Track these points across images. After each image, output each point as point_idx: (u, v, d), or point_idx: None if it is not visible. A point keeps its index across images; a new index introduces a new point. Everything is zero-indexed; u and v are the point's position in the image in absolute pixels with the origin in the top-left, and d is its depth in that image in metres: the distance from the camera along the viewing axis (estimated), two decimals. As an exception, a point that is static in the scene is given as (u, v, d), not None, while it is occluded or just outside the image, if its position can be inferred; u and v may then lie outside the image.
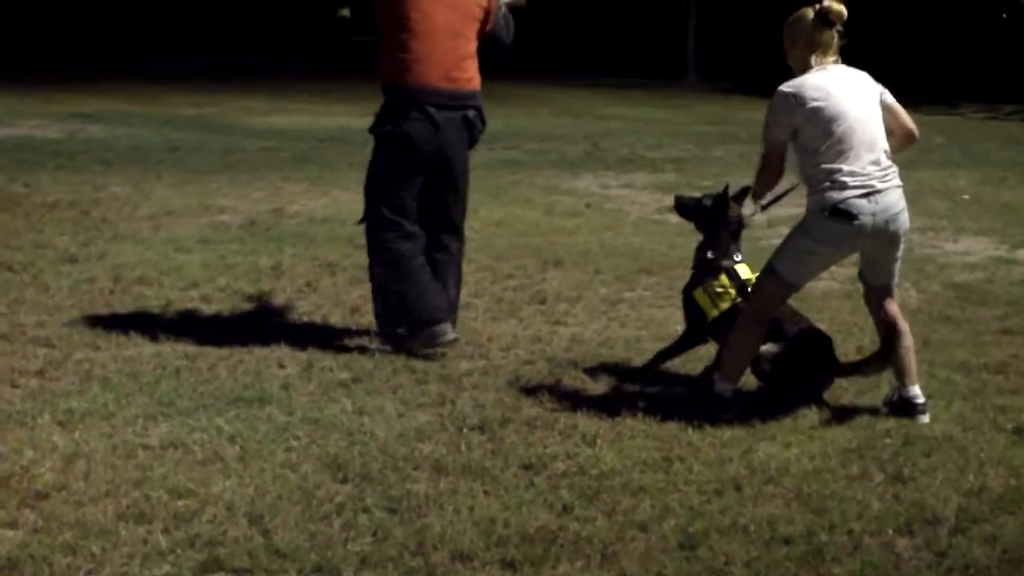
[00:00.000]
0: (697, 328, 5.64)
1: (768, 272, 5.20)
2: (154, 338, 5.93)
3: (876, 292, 5.33)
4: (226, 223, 9.12)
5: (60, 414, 4.85)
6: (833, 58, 5.15)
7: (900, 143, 5.28)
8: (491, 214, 9.99)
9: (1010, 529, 4.12)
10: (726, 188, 5.66)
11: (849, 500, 4.31)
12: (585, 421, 5.03)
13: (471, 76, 5.95)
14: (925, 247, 8.98)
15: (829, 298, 7.26)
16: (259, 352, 5.77)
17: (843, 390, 5.51)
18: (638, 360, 5.88)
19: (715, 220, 5.64)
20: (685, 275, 7.62)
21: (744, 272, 5.56)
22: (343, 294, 7.04)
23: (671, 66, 32.74)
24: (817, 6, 5.09)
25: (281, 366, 5.61)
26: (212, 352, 5.75)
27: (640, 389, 5.46)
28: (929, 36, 23.93)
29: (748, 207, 5.58)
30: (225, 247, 8.15)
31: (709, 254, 5.62)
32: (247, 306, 6.70)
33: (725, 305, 5.48)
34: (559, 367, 5.76)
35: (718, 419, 5.06)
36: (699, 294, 5.58)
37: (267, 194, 10.58)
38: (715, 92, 28.25)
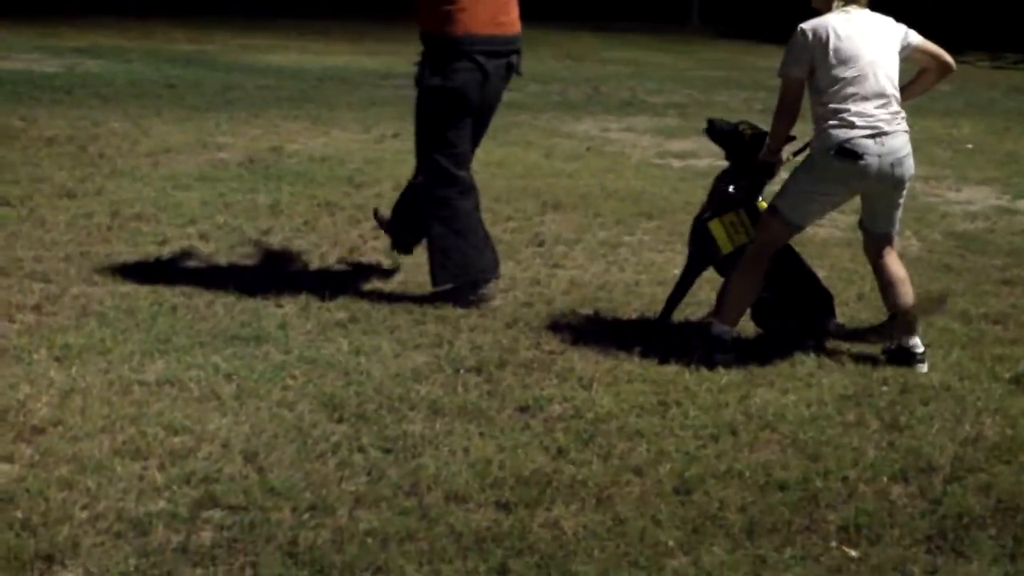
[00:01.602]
0: (704, 260, 5.54)
1: (771, 211, 5.23)
2: (151, 275, 5.91)
3: (876, 241, 5.34)
4: (224, 161, 9.07)
5: (57, 349, 4.84)
6: (857, 4, 5.16)
7: (937, 76, 5.36)
8: (490, 155, 9.90)
9: (1005, 478, 4.12)
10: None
11: (845, 447, 4.31)
12: (582, 364, 5.03)
13: (515, 18, 5.77)
14: (927, 196, 8.94)
15: (829, 245, 7.24)
16: (256, 291, 5.75)
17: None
18: (636, 304, 5.88)
19: (748, 153, 5.43)
20: (686, 220, 7.61)
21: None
22: (342, 234, 7.01)
23: (674, 11, 32.48)
24: None
25: (278, 305, 5.59)
26: (209, 290, 5.73)
27: (638, 333, 5.44)
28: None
29: (786, 150, 5.40)
30: (224, 184, 8.11)
31: (731, 188, 5.45)
32: (245, 244, 6.67)
33: (741, 239, 5.36)
34: (557, 310, 5.75)
35: (716, 361, 5.07)
36: (715, 226, 5.43)
37: (266, 132, 10.51)
38: (718, 37, 28.05)
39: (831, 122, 5.01)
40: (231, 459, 3.98)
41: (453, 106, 5.66)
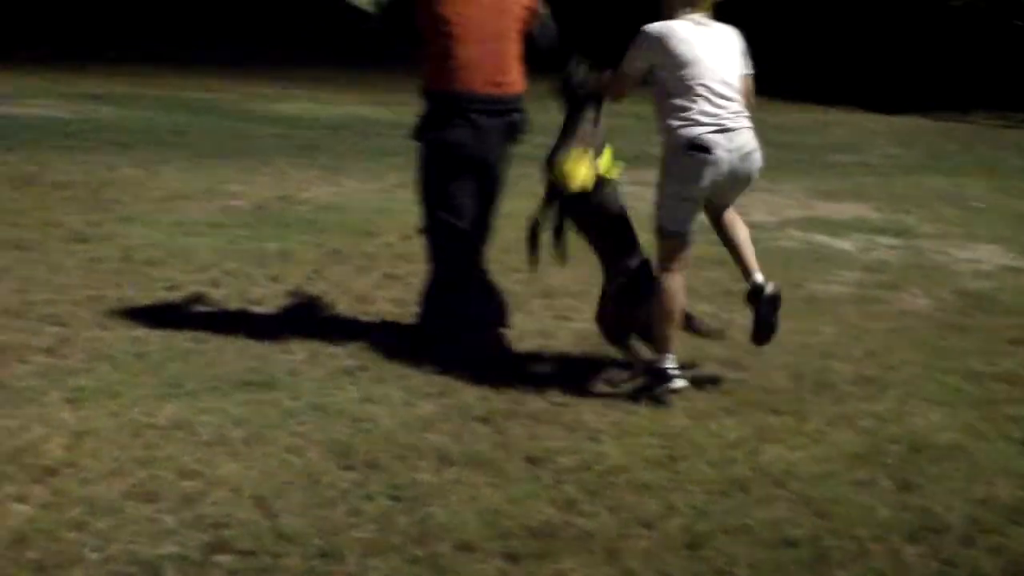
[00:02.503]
0: (554, 193, 5.68)
1: (655, 232, 5.50)
2: (162, 319, 5.93)
3: (717, 211, 5.59)
4: (235, 208, 9.11)
5: (69, 392, 4.87)
6: (703, 12, 5.38)
7: None
8: (500, 206, 9.97)
9: (1019, 540, 4.12)
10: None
11: (855, 505, 4.31)
12: (590, 416, 5.04)
13: (515, 80, 5.85)
14: (936, 254, 8.97)
15: (839, 302, 7.25)
16: (266, 337, 5.77)
17: (848, 395, 5.51)
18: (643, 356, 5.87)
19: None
20: (693, 273, 7.65)
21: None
22: (350, 282, 7.04)
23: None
24: None
25: (288, 352, 5.61)
26: (219, 335, 5.75)
27: (643, 386, 5.45)
28: (942, 43, 23.88)
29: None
30: (234, 231, 8.15)
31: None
32: (255, 291, 6.70)
33: (584, 172, 5.51)
34: (565, 362, 5.77)
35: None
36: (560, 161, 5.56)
37: (275, 180, 10.56)
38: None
39: (678, 122, 5.22)
40: (241, 504, 3.99)
41: (447, 159, 5.76)
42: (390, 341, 5.85)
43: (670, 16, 5.38)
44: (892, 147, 16.60)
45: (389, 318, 6.35)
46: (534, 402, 5.16)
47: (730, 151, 5.23)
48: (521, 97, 5.91)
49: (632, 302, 5.62)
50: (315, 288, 6.84)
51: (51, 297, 6.19)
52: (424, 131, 5.80)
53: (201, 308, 6.24)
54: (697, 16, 5.36)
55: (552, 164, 5.61)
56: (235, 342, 5.66)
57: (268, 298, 6.59)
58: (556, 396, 5.26)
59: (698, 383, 5.53)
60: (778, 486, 4.45)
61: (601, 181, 5.65)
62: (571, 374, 5.57)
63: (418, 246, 7.89)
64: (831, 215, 10.55)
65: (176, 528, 3.79)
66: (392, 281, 7.05)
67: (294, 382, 5.20)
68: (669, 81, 5.26)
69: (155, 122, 14.23)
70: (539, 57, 5.95)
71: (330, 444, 4.54)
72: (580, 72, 5.62)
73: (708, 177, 5.26)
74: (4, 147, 11.35)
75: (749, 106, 5.45)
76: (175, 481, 4.11)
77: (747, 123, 5.33)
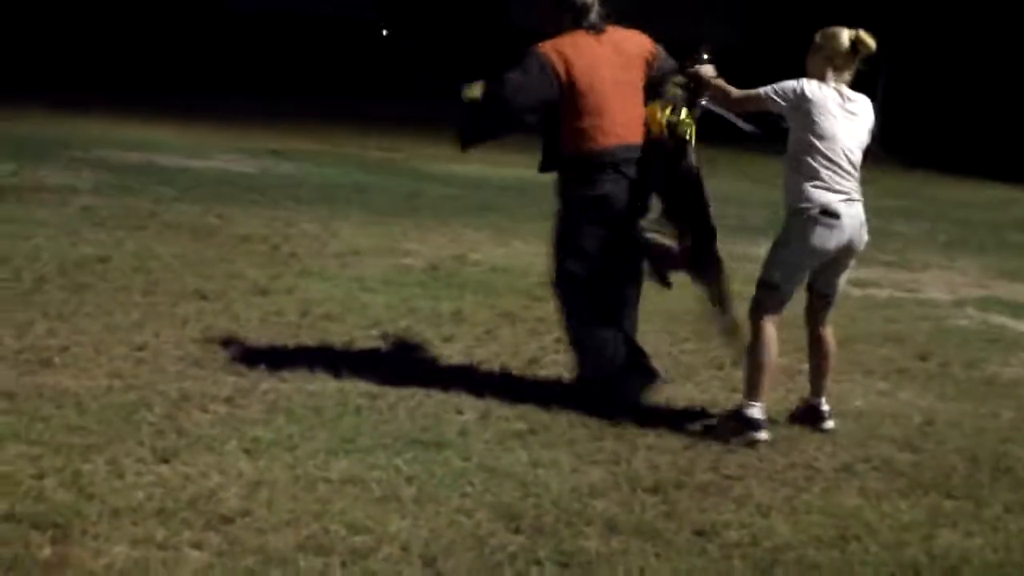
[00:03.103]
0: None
1: (760, 286, 5.77)
2: (337, 374, 6.06)
3: (819, 301, 5.88)
4: (409, 266, 9.29)
5: (247, 442, 5.00)
6: (847, 79, 5.67)
7: None
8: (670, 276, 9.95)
9: None
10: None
11: (1034, 597, 4.17)
12: (759, 491, 4.97)
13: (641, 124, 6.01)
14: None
15: (1020, 386, 7.03)
16: (438, 396, 5.86)
17: (1030, 482, 5.34)
18: (816, 436, 5.77)
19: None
20: (864, 350, 7.54)
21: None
22: (522, 344, 7.10)
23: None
24: (853, 33, 5.61)
25: (459, 412, 5.68)
26: (392, 392, 5.86)
27: (813, 463, 5.36)
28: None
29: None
30: (408, 290, 8.31)
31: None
32: (428, 349, 6.81)
33: (667, 117, 5.86)
34: (735, 435, 5.70)
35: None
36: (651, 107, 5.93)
37: (449, 239, 10.74)
38: (898, 165, 27.70)
39: (811, 187, 5.53)
40: (410, 562, 4.04)
41: (598, 214, 5.95)
42: (559, 405, 5.87)
43: (814, 74, 5.64)
44: (1076, 226, 16.08)
45: (559, 382, 6.37)
46: (703, 474, 5.12)
47: (852, 217, 5.57)
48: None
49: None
50: (486, 349, 6.91)
51: (232, 348, 6.38)
52: (571, 191, 6.01)
53: (375, 364, 6.35)
54: (841, 81, 5.63)
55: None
56: (407, 400, 5.75)
57: (440, 357, 6.69)
58: (726, 469, 5.21)
59: (871, 462, 5.42)
60: (952, 573, 4.32)
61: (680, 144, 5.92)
62: (741, 448, 5.51)
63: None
64: (1011, 296, 10.26)
65: (347, 582, 3.85)
66: (562, 346, 7.08)
67: (464, 442, 5.26)
68: (802, 143, 5.57)
69: (333, 179, 14.63)
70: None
71: (498, 507, 4.56)
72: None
73: (831, 242, 5.56)
74: (188, 199, 11.80)
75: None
76: (346, 535, 4.18)
77: (861, 198, 5.66)
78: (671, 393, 6.30)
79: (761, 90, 5.69)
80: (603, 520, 4.53)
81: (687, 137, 5.90)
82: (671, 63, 6.11)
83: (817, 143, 5.54)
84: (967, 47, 29.37)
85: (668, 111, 5.88)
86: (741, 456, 5.39)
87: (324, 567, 3.95)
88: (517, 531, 4.37)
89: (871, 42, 5.60)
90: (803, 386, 6.21)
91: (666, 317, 8.00)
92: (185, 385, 5.70)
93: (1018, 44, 26.95)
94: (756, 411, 5.59)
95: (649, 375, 6.11)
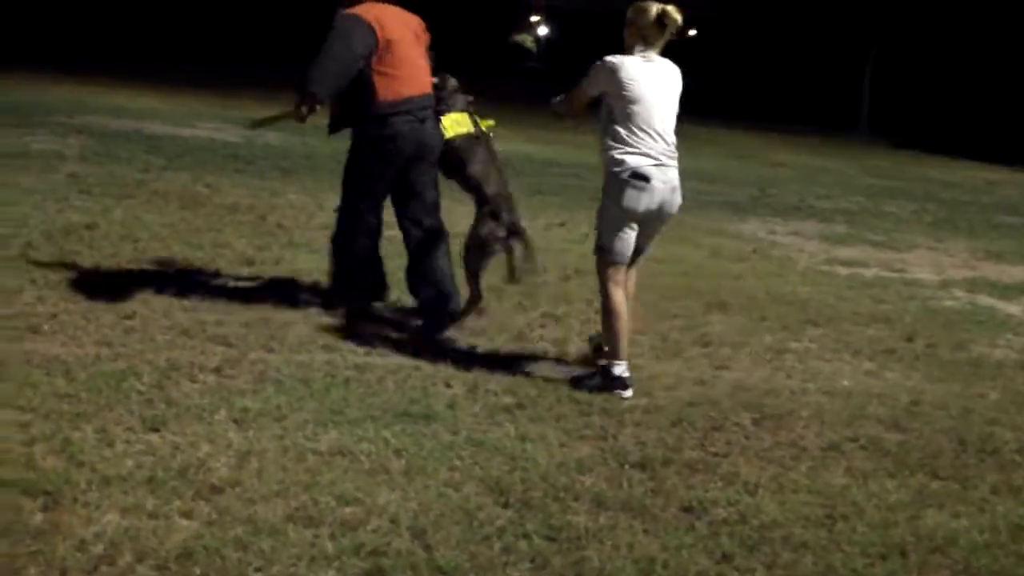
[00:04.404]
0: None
1: (596, 251, 5.98)
2: (326, 346, 6.06)
3: (633, 252, 6.01)
4: (396, 238, 9.23)
5: (235, 412, 4.99)
6: (656, 51, 5.94)
7: None
8: (654, 252, 9.94)
9: None
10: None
11: (1020, 578, 4.19)
12: (747, 469, 4.99)
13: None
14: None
15: (1006, 368, 7.06)
16: (426, 369, 5.86)
17: (1014, 463, 5.36)
18: (804, 412, 5.80)
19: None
20: (853, 329, 7.56)
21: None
22: (509, 319, 7.09)
23: (842, 117, 32.26)
24: (659, 8, 5.90)
25: (447, 385, 5.68)
26: (380, 364, 5.86)
27: (800, 441, 5.38)
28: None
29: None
30: (395, 262, 8.21)
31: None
32: (416, 323, 6.79)
33: (461, 130, 6.84)
34: (722, 412, 5.72)
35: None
36: (445, 118, 6.83)
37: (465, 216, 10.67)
38: (886, 146, 27.76)
39: (622, 152, 5.79)
40: (399, 534, 4.04)
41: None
42: (547, 380, 5.88)
43: (628, 46, 5.95)
44: (1061, 209, 16.14)
45: (547, 357, 6.38)
46: (690, 451, 5.14)
47: (664, 182, 5.82)
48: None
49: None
50: (475, 324, 6.90)
51: (220, 318, 6.37)
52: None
53: (364, 337, 6.34)
54: (650, 53, 5.92)
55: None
56: (396, 372, 5.75)
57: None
58: (712, 446, 5.23)
59: (858, 442, 5.45)
60: (939, 553, 4.34)
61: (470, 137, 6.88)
62: (727, 425, 5.53)
63: (576, 286, 7.97)
64: (998, 277, 10.31)
65: (336, 554, 3.85)
66: (550, 320, 7.10)
67: (453, 416, 5.26)
68: (616, 111, 5.84)
69: (318, 150, 14.54)
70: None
71: (487, 480, 4.57)
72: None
73: (643, 204, 5.80)
74: (175, 168, 11.75)
75: None
76: (335, 507, 4.18)
77: (676, 163, 5.92)
78: (657, 369, 6.31)
79: (580, 86, 6.04)
80: (591, 495, 4.54)
81: (490, 133, 7.03)
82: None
83: (626, 109, 5.81)
84: (955, 28, 29.37)
85: (455, 125, 6.87)
86: (728, 434, 5.41)
87: (314, 538, 3.95)
88: (506, 505, 4.38)
89: (677, 16, 5.90)
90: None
91: (655, 294, 8.01)
92: (174, 354, 5.68)
93: (1007, 25, 26.96)
94: (620, 369, 5.84)
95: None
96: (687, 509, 4.53)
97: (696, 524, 4.39)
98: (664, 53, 6.01)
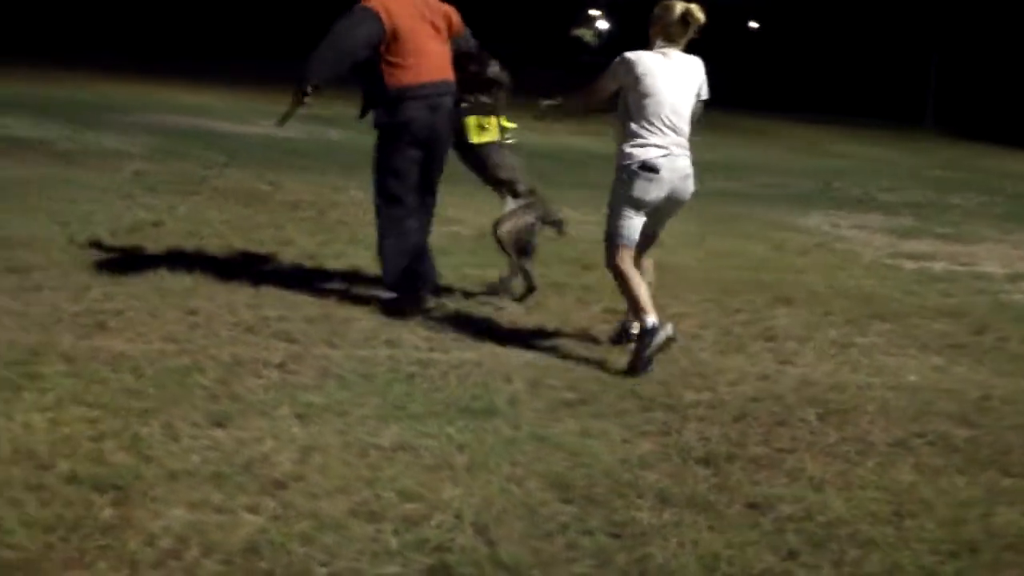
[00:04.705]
0: (460, 143, 7.16)
1: (605, 238, 6.23)
2: (389, 342, 6.08)
3: (645, 238, 6.28)
4: (458, 234, 9.28)
5: (299, 407, 5.02)
6: (678, 47, 6.18)
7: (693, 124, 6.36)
8: (717, 245, 9.92)
9: None
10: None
11: (1094, 577, 4.11)
12: (813, 465, 4.93)
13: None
14: None
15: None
16: (488, 365, 5.85)
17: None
18: (870, 407, 5.72)
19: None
20: (919, 324, 7.47)
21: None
22: (571, 313, 7.08)
23: (908, 109, 31.90)
24: (684, 6, 6.11)
25: (508, 380, 5.66)
26: (443, 360, 5.86)
27: (867, 437, 5.32)
28: None
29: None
30: (458, 258, 8.29)
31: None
32: (477, 318, 6.79)
33: (485, 137, 7.14)
34: (786, 407, 5.65)
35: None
36: (469, 120, 7.11)
37: (496, 208, 10.66)
38: (953, 137, 27.41)
39: (634, 143, 6.05)
40: (462, 530, 4.03)
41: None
42: (609, 375, 5.86)
43: (652, 41, 6.18)
44: None
45: (608, 353, 6.35)
46: (755, 447, 5.09)
47: (672, 171, 6.06)
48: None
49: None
50: (535, 318, 6.90)
51: (283, 313, 6.41)
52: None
53: (426, 333, 6.36)
54: (669, 49, 6.15)
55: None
56: (458, 368, 5.75)
57: (490, 326, 6.67)
58: (777, 442, 5.17)
59: (926, 437, 5.37)
60: (1012, 551, 4.26)
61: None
62: (792, 420, 5.47)
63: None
64: (1067, 269, 10.12)
65: (399, 549, 3.85)
66: (612, 315, 7.06)
67: (514, 411, 5.25)
68: (632, 103, 6.10)
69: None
70: None
71: (549, 476, 4.55)
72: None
73: (653, 192, 6.05)
74: (237, 165, 11.85)
75: (696, 123, 6.31)
76: (398, 502, 4.18)
77: (687, 154, 6.17)
78: (721, 364, 6.27)
79: (597, 81, 6.28)
80: (654, 491, 4.51)
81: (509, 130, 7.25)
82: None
83: (640, 102, 6.07)
84: (1021, 18, 28.93)
85: (478, 128, 7.14)
86: (793, 429, 5.35)
87: (377, 533, 3.95)
88: (568, 501, 4.36)
89: (700, 15, 6.12)
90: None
91: (718, 288, 7.97)
92: (237, 350, 5.72)
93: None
94: (651, 320, 5.98)
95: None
96: (752, 505, 4.48)
97: (761, 520, 4.35)
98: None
